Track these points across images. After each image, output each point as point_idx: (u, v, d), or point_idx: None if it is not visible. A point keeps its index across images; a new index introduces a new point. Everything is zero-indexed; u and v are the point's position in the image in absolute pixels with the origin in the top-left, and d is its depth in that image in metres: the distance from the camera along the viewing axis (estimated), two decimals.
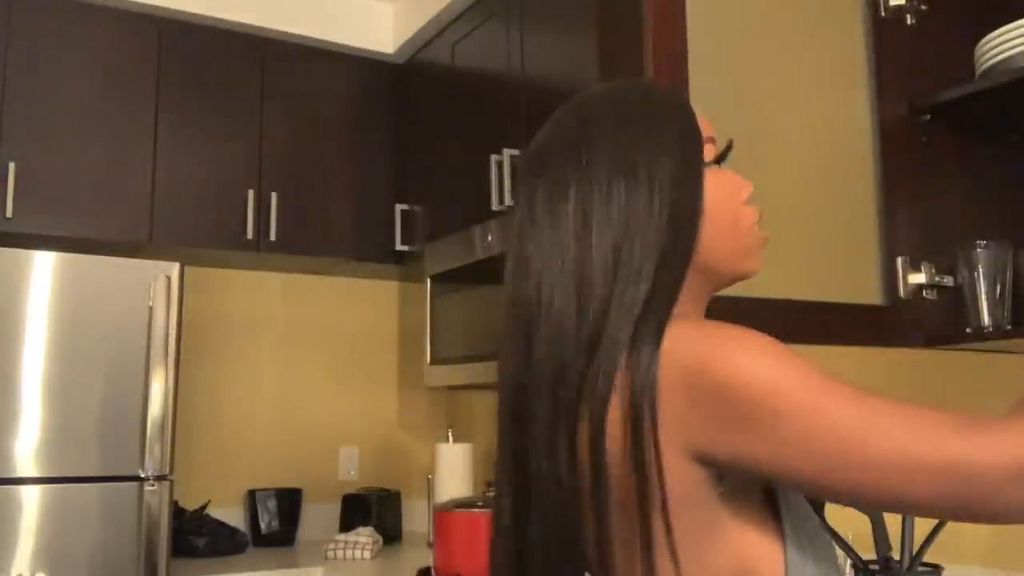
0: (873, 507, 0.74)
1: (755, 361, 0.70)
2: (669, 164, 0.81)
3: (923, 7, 1.47)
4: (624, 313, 0.76)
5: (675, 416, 0.72)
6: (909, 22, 1.46)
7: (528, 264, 0.82)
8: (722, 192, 0.86)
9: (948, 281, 1.41)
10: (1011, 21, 1.38)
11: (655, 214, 0.79)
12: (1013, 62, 1.37)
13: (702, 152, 0.86)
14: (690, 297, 0.83)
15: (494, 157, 2.29)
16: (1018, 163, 1.56)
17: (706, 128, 0.88)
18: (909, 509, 0.69)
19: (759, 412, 0.68)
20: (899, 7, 1.45)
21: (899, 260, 1.40)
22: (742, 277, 0.88)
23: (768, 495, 0.80)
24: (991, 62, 1.41)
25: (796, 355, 0.71)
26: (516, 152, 2.21)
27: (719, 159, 0.88)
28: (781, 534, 0.77)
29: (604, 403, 0.74)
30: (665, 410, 0.72)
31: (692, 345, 0.73)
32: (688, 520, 0.74)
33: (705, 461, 0.72)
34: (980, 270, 1.41)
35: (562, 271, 0.80)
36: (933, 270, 1.41)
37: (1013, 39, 1.37)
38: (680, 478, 0.73)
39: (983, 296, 1.41)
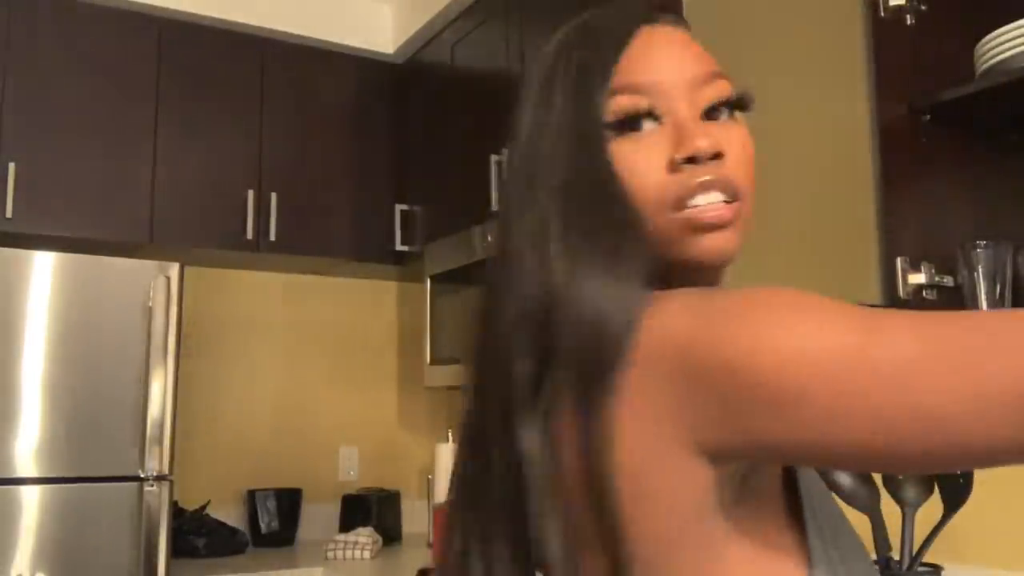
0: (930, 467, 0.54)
1: (768, 334, 0.54)
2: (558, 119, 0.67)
3: (923, 7, 1.46)
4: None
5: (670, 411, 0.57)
6: (909, 22, 1.46)
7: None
8: (635, 153, 0.65)
9: (948, 281, 1.41)
10: (1011, 21, 1.38)
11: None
12: (1013, 62, 1.37)
13: (600, 108, 0.66)
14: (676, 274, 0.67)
15: (494, 157, 2.29)
16: (1018, 163, 1.56)
17: (639, 71, 0.66)
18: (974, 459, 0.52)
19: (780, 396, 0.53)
20: (899, 7, 1.45)
21: (899, 260, 1.40)
22: (697, 262, 0.66)
23: (791, 499, 0.64)
24: (991, 62, 1.41)
25: (816, 301, 0.54)
26: None
27: (632, 116, 0.66)
28: (806, 556, 0.61)
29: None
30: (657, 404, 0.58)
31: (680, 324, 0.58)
32: (680, 548, 0.59)
33: (721, 457, 0.57)
34: (980, 270, 1.41)
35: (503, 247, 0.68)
36: (933, 270, 1.41)
37: (1013, 39, 1.37)
38: (680, 489, 0.58)
39: (983, 296, 1.41)
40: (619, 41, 0.67)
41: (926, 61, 1.48)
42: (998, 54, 1.39)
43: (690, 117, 0.66)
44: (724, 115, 0.68)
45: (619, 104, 0.66)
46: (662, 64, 0.67)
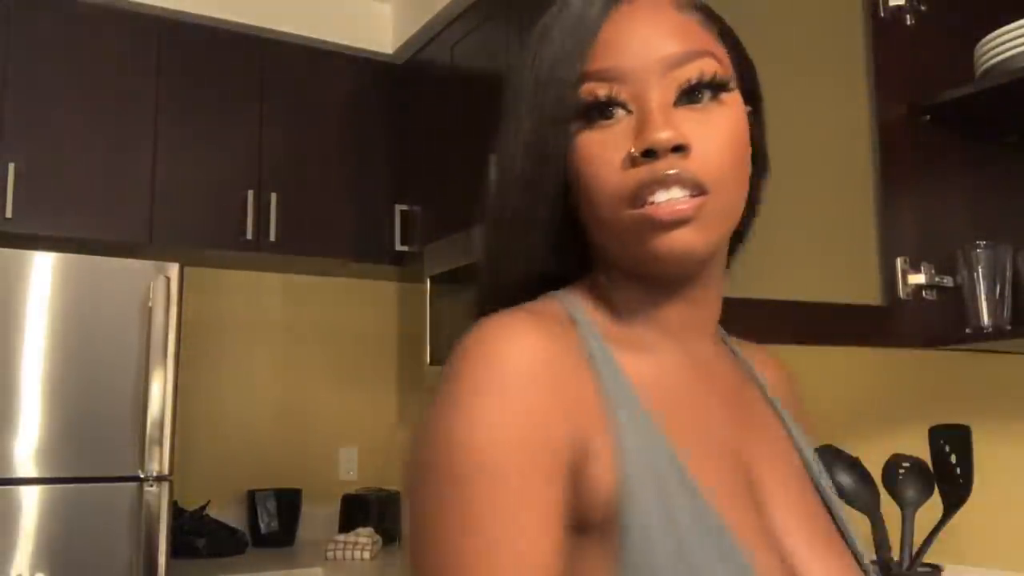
0: None
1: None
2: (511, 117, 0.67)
3: (922, 7, 1.46)
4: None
5: None
6: (908, 22, 1.46)
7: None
8: (590, 147, 0.63)
9: (948, 282, 1.41)
10: (1011, 21, 1.38)
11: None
12: (1013, 62, 1.37)
13: (554, 100, 0.63)
14: (619, 286, 0.67)
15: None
16: (1018, 164, 1.56)
17: (607, 56, 0.63)
18: None
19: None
20: (898, 7, 1.45)
21: (898, 261, 1.40)
22: (645, 264, 0.63)
23: None
24: (991, 62, 1.41)
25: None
26: None
27: (593, 108, 0.63)
28: None
29: None
30: None
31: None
32: None
33: None
34: (980, 271, 1.41)
35: None
36: (933, 271, 1.41)
37: (1013, 39, 1.37)
38: None
39: (983, 297, 1.41)
40: (592, 23, 0.64)
41: (926, 61, 1.47)
42: (998, 54, 1.39)
43: (660, 104, 0.61)
44: (706, 97, 0.62)
45: (585, 92, 0.62)
46: (631, 46, 0.62)
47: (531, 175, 0.65)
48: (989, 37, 1.41)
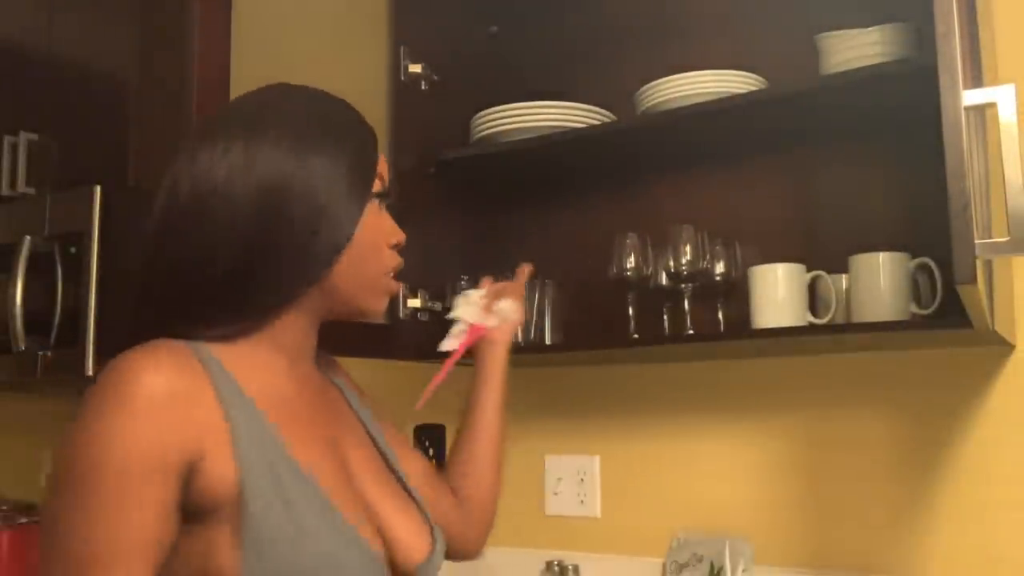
0: None
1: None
2: (332, 173, 0.85)
3: (435, 77, 1.75)
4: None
5: None
6: (423, 87, 1.73)
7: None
8: (376, 225, 0.90)
9: (438, 306, 1.70)
10: (508, 101, 1.71)
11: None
12: (499, 137, 1.71)
13: (372, 177, 0.89)
14: (306, 310, 0.88)
15: (8, 139, 2.13)
16: (501, 215, 1.93)
17: (381, 163, 0.91)
18: None
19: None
20: (416, 74, 1.71)
21: (401, 287, 1.65)
22: (364, 314, 0.91)
23: None
24: (482, 134, 1.74)
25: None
26: (35, 136, 2.09)
27: (383, 194, 0.91)
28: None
29: None
30: None
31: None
32: None
33: None
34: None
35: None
36: (427, 296, 1.69)
37: (498, 118, 1.71)
38: None
39: None
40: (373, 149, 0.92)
41: (436, 123, 1.76)
42: (487, 128, 1.73)
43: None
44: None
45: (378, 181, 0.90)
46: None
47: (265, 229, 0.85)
48: (481, 113, 1.74)
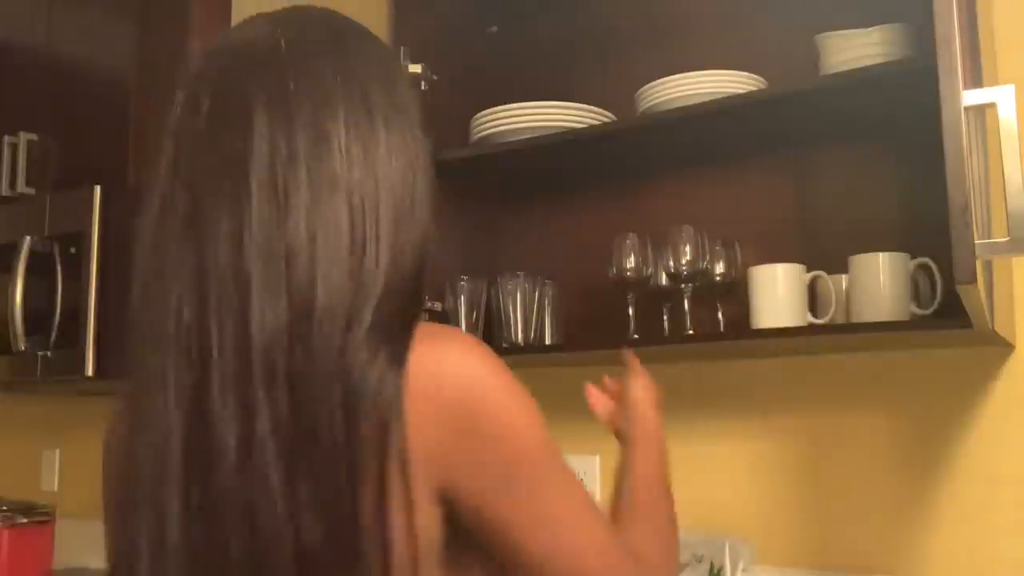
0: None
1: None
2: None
3: (434, 77, 1.75)
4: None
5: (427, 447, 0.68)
6: (423, 87, 1.73)
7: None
8: None
9: (438, 307, 1.70)
10: (508, 101, 1.71)
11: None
12: (498, 137, 1.71)
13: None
14: None
15: (8, 139, 2.13)
16: (500, 215, 1.93)
17: None
18: None
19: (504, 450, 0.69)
20: (416, 74, 1.71)
21: None
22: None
23: None
24: (481, 134, 1.74)
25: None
26: (35, 136, 2.09)
27: None
28: None
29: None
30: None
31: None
32: None
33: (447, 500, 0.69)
34: (462, 299, 1.73)
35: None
36: (427, 297, 1.69)
37: (498, 118, 1.71)
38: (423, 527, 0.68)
39: (463, 320, 1.73)
40: None
41: (437, 122, 1.76)
42: (486, 129, 1.72)
43: None
44: None
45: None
46: None
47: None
48: (480, 114, 1.74)
